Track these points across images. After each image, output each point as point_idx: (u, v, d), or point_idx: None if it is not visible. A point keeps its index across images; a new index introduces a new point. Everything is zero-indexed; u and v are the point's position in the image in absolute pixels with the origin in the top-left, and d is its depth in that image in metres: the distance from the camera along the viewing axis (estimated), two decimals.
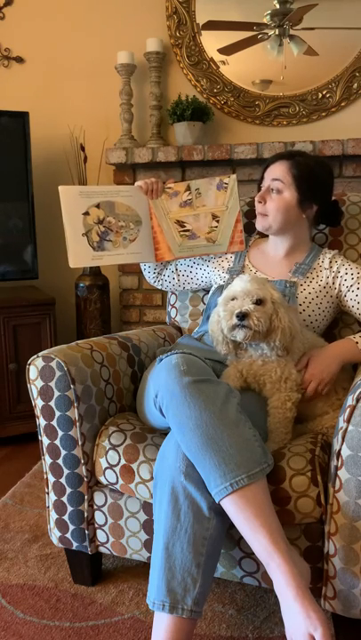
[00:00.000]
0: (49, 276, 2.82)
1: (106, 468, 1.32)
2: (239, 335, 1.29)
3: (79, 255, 1.58)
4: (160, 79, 2.62)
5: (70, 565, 1.49)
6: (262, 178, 1.58)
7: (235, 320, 1.27)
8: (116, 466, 1.31)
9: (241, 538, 1.19)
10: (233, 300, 1.31)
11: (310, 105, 2.58)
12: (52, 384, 1.33)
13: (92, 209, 1.59)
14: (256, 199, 1.56)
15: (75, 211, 1.57)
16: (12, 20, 2.76)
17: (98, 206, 1.60)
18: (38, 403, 1.36)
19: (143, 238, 1.66)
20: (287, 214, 1.52)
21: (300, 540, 1.19)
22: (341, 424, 1.11)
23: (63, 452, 1.36)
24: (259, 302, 1.28)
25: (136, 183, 1.67)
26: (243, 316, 1.26)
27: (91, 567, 1.45)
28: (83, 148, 2.67)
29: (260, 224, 1.57)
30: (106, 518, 1.37)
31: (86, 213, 1.58)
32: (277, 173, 1.53)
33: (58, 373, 1.32)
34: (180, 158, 2.50)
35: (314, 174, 1.52)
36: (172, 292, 1.91)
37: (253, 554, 1.16)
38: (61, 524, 1.41)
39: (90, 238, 1.58)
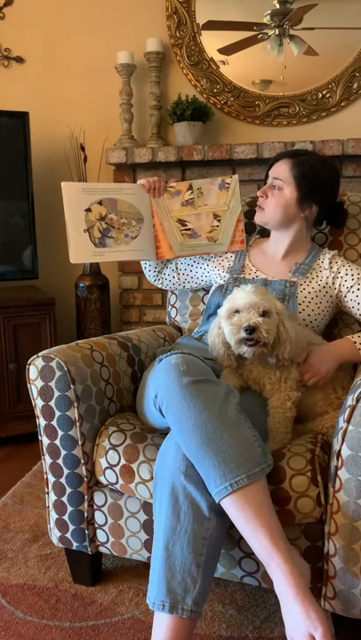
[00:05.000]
0: (49, 276, 2.82)
1: (106, 468, 1.32)
2: (248, 354, 1.27)
3: (80, 251, 1.58)
4: (160, 79, 2.62)
5: (70, 565, 1.49)
6: (267, 176, 1.60)
7: (243, 334, 1.25)
8: (116, 466, 1.30)
9: (241, 538, 1.19)
10: (237, 312, 1.28)
11: (310, 105, 2.58)
12: (52, 384, 1.33)
13: (94, 205, 1.59)
14: (258, 193, 1.57)
15: (77, 207, 1.57)
16: (12, 20, 2.76)
17: (100, 203, 1.60)
18: (38, 403, 1.36)
19: (144, 236, 1.66)
20: (285, 211, 1.53)
21: (300, 540, 1.19)
22: (341, 424, 1.11)
23: (63, 452, 1.36)
24: (264, 314, 1.26)
25: (138, 181, 1.67)
26: (251, 330, 1.24)
27: (91, 567, 1.45)
28: (83, 148, 2.67)
29: (258, 218, 1.59)
30: (106, 518, 1.37)
31: (88, 210, 1.58)
32: (279, 172, 1.54)
33: (58, 373, 1.32)
34: (180, 158, 2.50)
35: (316, 174, 1.52)
36: (172, 292, 1.91)
37: (253, 554, 1.16)
38: (61, 524, 1.41)
39: (91, 234, 1.58)
